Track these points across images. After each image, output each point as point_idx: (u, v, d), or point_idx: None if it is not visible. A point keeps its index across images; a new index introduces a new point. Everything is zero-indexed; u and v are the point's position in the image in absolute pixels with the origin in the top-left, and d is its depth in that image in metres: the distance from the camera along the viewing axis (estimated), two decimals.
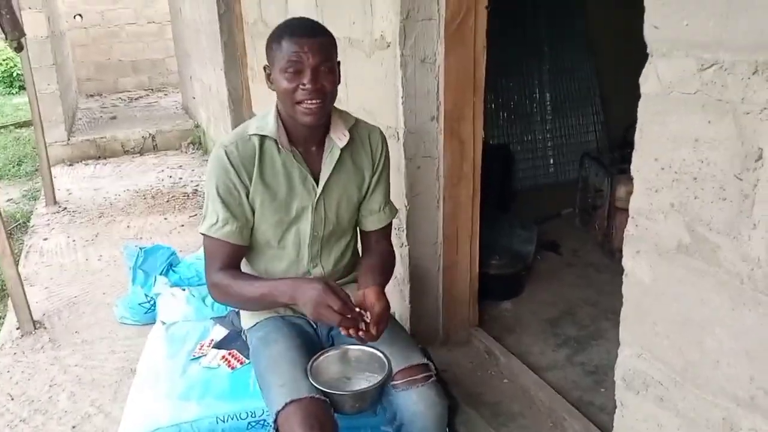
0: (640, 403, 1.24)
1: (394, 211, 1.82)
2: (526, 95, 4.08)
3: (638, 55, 1.25)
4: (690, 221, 1.05)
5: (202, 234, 1.64)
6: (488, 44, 2.03)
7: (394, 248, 1.87)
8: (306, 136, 1.65)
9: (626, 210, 1.21)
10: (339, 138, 1.66)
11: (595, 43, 4.14)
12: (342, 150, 1.66)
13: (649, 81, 1.09)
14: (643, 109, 1.11)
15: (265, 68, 1.59)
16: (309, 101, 1.51)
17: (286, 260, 1.74)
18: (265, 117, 1.66)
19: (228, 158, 1.60)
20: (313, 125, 1.58)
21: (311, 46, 1.49)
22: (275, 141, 1.62)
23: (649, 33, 1.07)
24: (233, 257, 1.65)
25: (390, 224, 1.81)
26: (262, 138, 1.63)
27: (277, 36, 1.52)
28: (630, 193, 1.20)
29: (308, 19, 1.61)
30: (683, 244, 1.07)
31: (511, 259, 2.76)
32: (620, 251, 1.24)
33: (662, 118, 1.07)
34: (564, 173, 4.07)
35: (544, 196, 3.87)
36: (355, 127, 1.71)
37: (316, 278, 1.64)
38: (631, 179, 1.18)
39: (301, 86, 1.50)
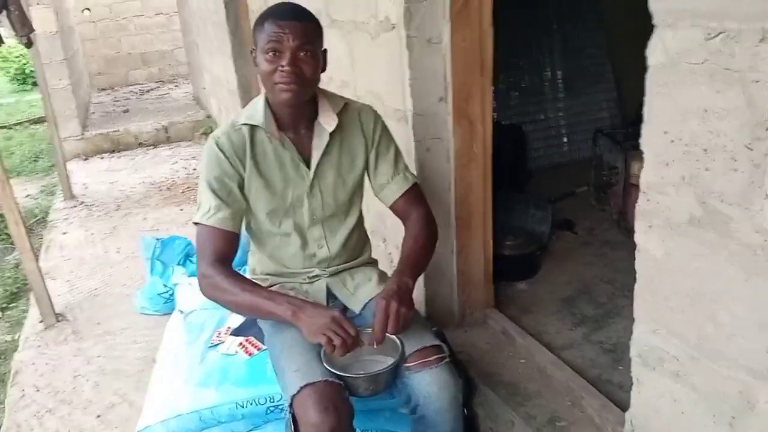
0: (656, 379, 1.24)
1: (410, 178, 1.77)
2: (538, 74, 4.03)
3: (650, 30, 1.24)
4: (701, 193, 1.04)
5: (196, 224, 1.63)
6: (496, 23, 2.01)
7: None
8: (294, 121, 1.66)
9: None
10: (327, 122, 1.66)
11: (607, 18, 4.08)
12: (332, 133, 1.67)
13: (655, 53, 1.07)
14: (650, 81, 1.09)
15: (251, 51, 1.60)
16: (287, 84, 1.52)
17: (292, 245, 1.75)
18: (254, 105, 1.67)
19: (219, 148, 1.62)
20: (291, 103, 1.58)
21: (292, 29, 1.50)
22: (264, 129, 1.63)
23: (654, 3, 1.06)
24: (226, 246, 1.61)
25: (412, 189, 1.76)
26: (252, 128, 1.64)
27: (261, 18, 1.54)
28: None
29: (295, 4, 1.61)
30: (695, 216, 1.06)
31: (526, 239, 2.75)
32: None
33: (670, 90, 1.06)
34: (578, 151, 4.04)
35: (558, 175, 3.84)
36: (345, 109, 1.71)
37: (326, 306, 1.68)
38: None
39: (279, 68, 1.51)
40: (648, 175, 1.14)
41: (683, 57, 1.02)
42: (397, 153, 1.78)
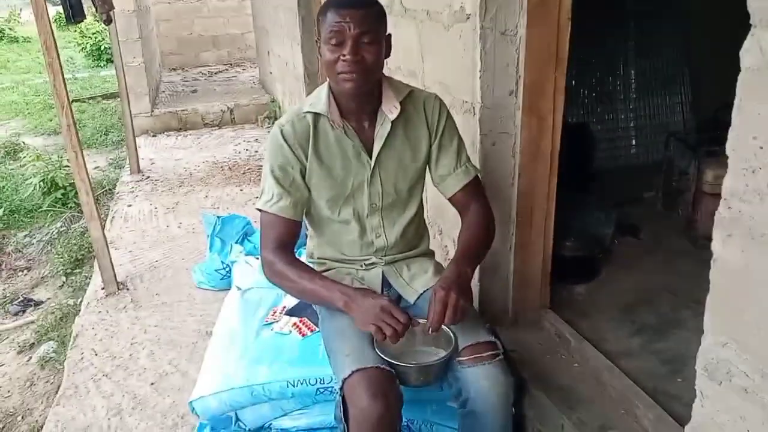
0: (723, 394, 1.18)
1: (472, 170, 1.76)
2: (609, 72, 3.92)
3: (733, 32, 1.18)
4: None
5: (258, 210, 1.67)
6: (573, 18, 1.95)
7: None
8: (357, 109, 1.65)
9: (713, 195, 1.15)
10: (390, 110, 1.65)
11: (685, 18, 3.93)
12: (395, 122, 1.66)
13: (750, 54, 1.02)
14: (742, 83, 1.04)
15: (316, 41, 1.60)
16: (349, 73, 1.51)
17: (350, 233, 1.76)
18: (318, 94, 1.67)
19: (283, 136, 1.64)
20: (353, 93, 1.58)
21: (353, 17, 1.48)
22: (327, 117, 1.63)
23: (753, 2, 0.99)
24: (287, 234, 1.66)
25: (472, 182, 1.76)
26: (316, 115, 1.65)
27: (324, 7, 1.54)
28: (718, 177, 1.13)
29: None
30: None
31: (587, 242, 2.68)
32: (704, 238, 1.18)
33: (764, 94, 1.00)
34: (647, 155, 3.90)
35: (625, 178, 3.72)
36: (409, 97, 1.69)
37: (377, 294, 1.66)
38: (719, 163, 1.12)
39: (341, 57, 1.50)
40: (731, 181, 1.09)
41: None
42: (460, 144, 1.76)
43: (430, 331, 1.53)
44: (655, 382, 1.98)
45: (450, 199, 1.79)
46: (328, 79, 1.63)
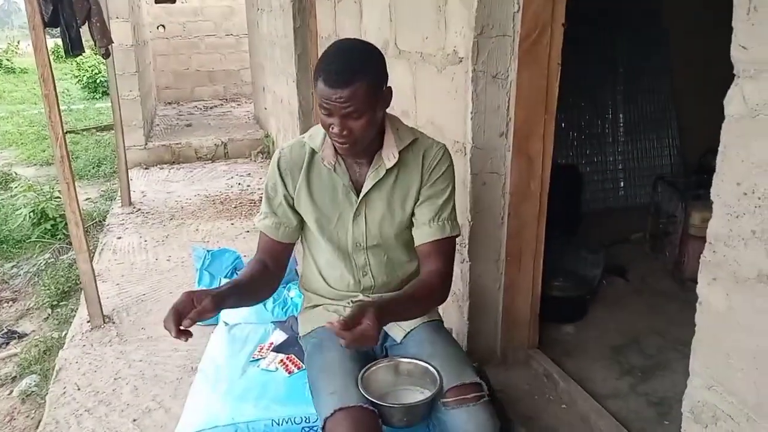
0: None
1: (448, 229, 1.67)
2: (599, 115, 3.99)
3: (719, 80, 1.21)
4: None
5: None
6: (562, 61, 2.00)
7: (455, 265, 1.78)
8: None
9: (700, 237, 1.17)
10: (388, 157, 1.64)
11: (675, 66, 4.03)
12: (389, 168, 1.66)
13: (734, 103, 1.05)
14: (726, 131, 1.07)
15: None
16: (339, 142, 1.54)
17: (338, 268, 1.76)
18: (319, 128, 1.69)
19: (278, 163, 1.70)
20: (347, 155, 1.63)
21: (339, 97, 1.46)
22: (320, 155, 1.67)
23: (736, 54, 1.03)
24: (268, 252, 1.71)
25: (447, 242, 1.68)
26: (312, 148, 1.68)
27: (317, 70, 1.50)
28: (705, 220, 1.15)
29: (345, 61, 1.50)
30: (764, 273, 1.02)
31: (576, 282, 2.69)
32: (691, 280, 1.19)
33: (747, 142, 1.03)
34: (635, 197, 3.96)
35: (613, 219, 3.76)
36: (412, 144, 1.67)
37: None
38: (706, 206, 1.13)
39: (331, 127, 1.52)
40: (716, 226, 1.11)
41: (763, 109, 0.99)
42: (449, 200, 1.70)
43: (337, 334, 1.35)
44: (642, 424, 1.97)
45: (417, 248, 1.72)
46: None
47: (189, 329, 1.44)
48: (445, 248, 1.68)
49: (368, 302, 1.48)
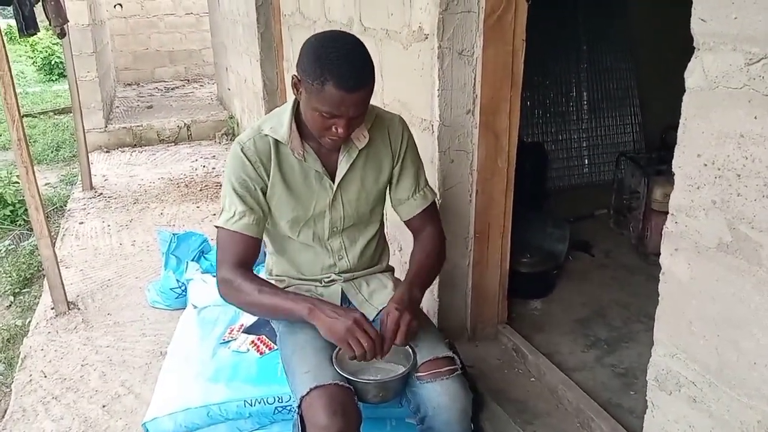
0: (672, 404, 1.22)
1: (429, 195, 1.77)
2: (563, 94, 4.03)
3: (678, 56, 1.23)
4: (732, 219, 1.03)
5: (218, 227, 1.63)
6: (527, 39, 2.01)
7: None
8: None
9: (662, 212, 1.19)
10: (358, 138, 1.64)
11: (635, 43, 4.08)
12: (361, 148, 1.66)
13: (694, 75, 1.07)
14: (687, 103, 1.09)
15: (293, 77, 1.53)
16: (335, 140, 1.53)
17: (311, 252, 1.75)
18: (279, 117, 1.64)
19: (245, 154, 1.60)
20: (330, 148, 1.61)
21: (355, 100, 1.44)
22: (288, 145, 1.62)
23: (696, 26, 1.05)
24: (248, 252, 1.62)
25: (429, 208, 1.77)
26: (276, 140, 1.63)
27: (320, 71, 1.41)
28: (667, 195, 1.18)
29: (358, 64, 1.46)
30: (724, 242, 1.05)
31: (543, 258, 2.73)
32: (654, 254, 1.23)
33: (707, 113, 1.05)
34: (599, 174, 4.02)
35: (577, 196, 3.82)
36: (376, 122, 1.69)
37: (347, 308, 1.63)
38: (668, 181, 1.16)
39: (333, 127, 1.49)
40: (678, 197, 1.13)
41: (722, 81, 1.01)
42: (420, 168, 1.77)
43: (381, 356, 1.52)
44: (609, 394, 2.02)
45: (406, 222, 1.80)
46: (291, 100, 1.62)
47: None
48: (432, 213, 1.79)
49: (390, 305, 1.56)
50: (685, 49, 1.10)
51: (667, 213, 1.17)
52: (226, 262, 1.60)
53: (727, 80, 1.00)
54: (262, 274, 1.86)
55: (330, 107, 1.44)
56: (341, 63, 1.42)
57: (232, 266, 1.59)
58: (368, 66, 1.48)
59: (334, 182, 1.66)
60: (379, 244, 1.86)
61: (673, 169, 1.14)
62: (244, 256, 1.61)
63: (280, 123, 1.62)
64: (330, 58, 1.42)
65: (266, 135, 1.62)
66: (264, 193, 1.64)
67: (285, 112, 1.64)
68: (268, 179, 1.63)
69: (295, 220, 1.68)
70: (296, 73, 1.51)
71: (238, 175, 1.61)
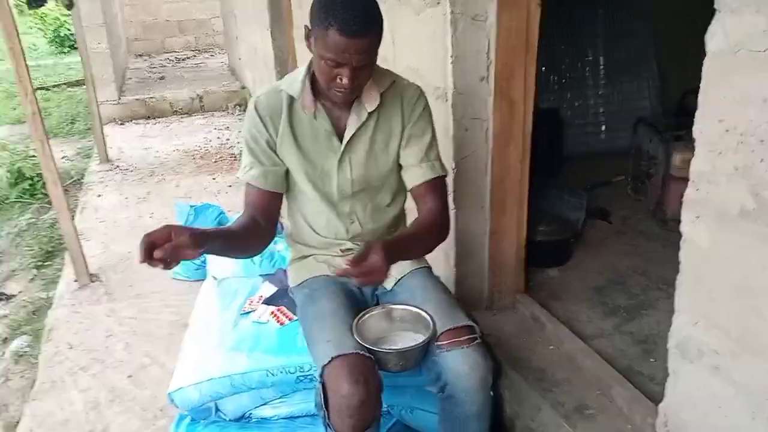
0: (694, 372, 1.22)
1: (438, 168, 1.72)
2: (579, 59, 3.96)
3: (698, 19, 1.20)
4: (755, 185, 1.02)
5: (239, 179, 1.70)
6: (543, 3, 1.97)
7: None
8: None
9: (681, 178, 1.18)
10: (368, 101, 1.64)
11: (652, 5, 3.99)
12: (371, 111, 1.66)
13: (715, 38, 1.05)
14: (708, 67, 1.07)
15: (306, 27, 1.53)
16: (342, 91, 1.52)
17: (324, 215, 1.76)
18: (296, 75, 1.67)
19: (256, 109, 1.65)
20: (342, 103, 1.60)
21: (357, 47, 1.42)
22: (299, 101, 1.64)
23: None
24: (260, 205, 1.66)
25: (436, 181, 1.72)
26: (290, 95, 1.65)
27: (325, 16, 1.42)
28: (686, 161, 1.16)
29: (362, 8, 1.44)
30: (746, 209, 1.04)
31: (560, 226, 2.72)
32: (673, 220, 1.21)
33: (728, 78, 1.03)
34: (616, 140, 3.95)
35: (594, 162, 3.77)
36: (391, 87, 1.68)
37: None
38: (687, 147, 1.15)
39: (338, 78, 1.48)
40: (699, 164, 1.12)
41: (745, 44, 0.99)
42: (432, 140, 1.73)
43: (344, 271, 1.41)
44: (628, 362, 2.02)
45: (410, 191, 1.76)
46: (311, 67, 1.61)
47: (169, 261, 1.32)
48: (438, 187, 1.73)
49: (374, 240, 1.52)
50: (705, 11, 1.08)
51: (687, 179, 1.16)
52: (242, 213, 1.69)
53: (750, 43, 0.98)
54: (280, 244, 1.87)
55: (334, 54, 1.44)
56: (345, 8, 1.42)
57: (242, 214, 1.67)
58: (372, 12, 1.47)
59: (342, 143, 1.67)
60: (396, 215, 1.84)
61: (693, 135, 1.12)
62: (254, 209, 1.66)
63: (295, 80, 1.65)
64: (335, 3, 1.43)
65: (281, 90, 1.66)
66: (273, 148, 1.67)
67: (300, 71, 1.67)
68: (277, 134, 1.65)
69: (307, 175, 1.70)
70: (307, 23, 1.52)
71: (249, 130, 1.67)
